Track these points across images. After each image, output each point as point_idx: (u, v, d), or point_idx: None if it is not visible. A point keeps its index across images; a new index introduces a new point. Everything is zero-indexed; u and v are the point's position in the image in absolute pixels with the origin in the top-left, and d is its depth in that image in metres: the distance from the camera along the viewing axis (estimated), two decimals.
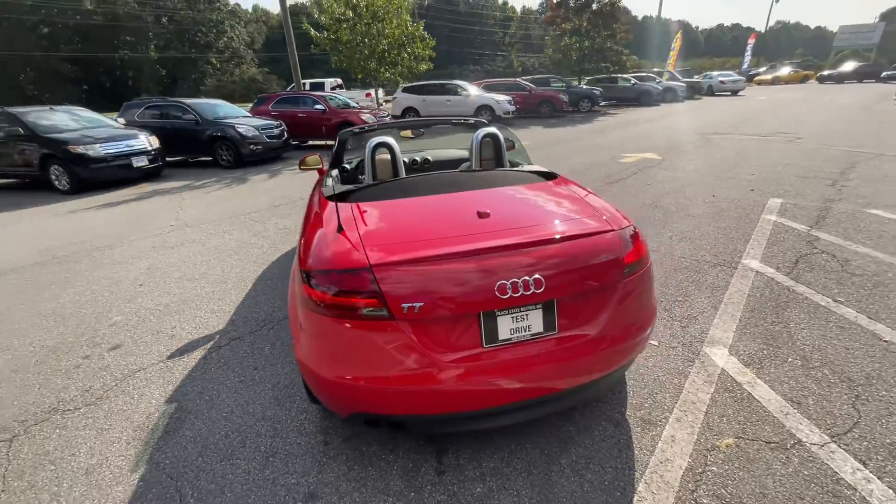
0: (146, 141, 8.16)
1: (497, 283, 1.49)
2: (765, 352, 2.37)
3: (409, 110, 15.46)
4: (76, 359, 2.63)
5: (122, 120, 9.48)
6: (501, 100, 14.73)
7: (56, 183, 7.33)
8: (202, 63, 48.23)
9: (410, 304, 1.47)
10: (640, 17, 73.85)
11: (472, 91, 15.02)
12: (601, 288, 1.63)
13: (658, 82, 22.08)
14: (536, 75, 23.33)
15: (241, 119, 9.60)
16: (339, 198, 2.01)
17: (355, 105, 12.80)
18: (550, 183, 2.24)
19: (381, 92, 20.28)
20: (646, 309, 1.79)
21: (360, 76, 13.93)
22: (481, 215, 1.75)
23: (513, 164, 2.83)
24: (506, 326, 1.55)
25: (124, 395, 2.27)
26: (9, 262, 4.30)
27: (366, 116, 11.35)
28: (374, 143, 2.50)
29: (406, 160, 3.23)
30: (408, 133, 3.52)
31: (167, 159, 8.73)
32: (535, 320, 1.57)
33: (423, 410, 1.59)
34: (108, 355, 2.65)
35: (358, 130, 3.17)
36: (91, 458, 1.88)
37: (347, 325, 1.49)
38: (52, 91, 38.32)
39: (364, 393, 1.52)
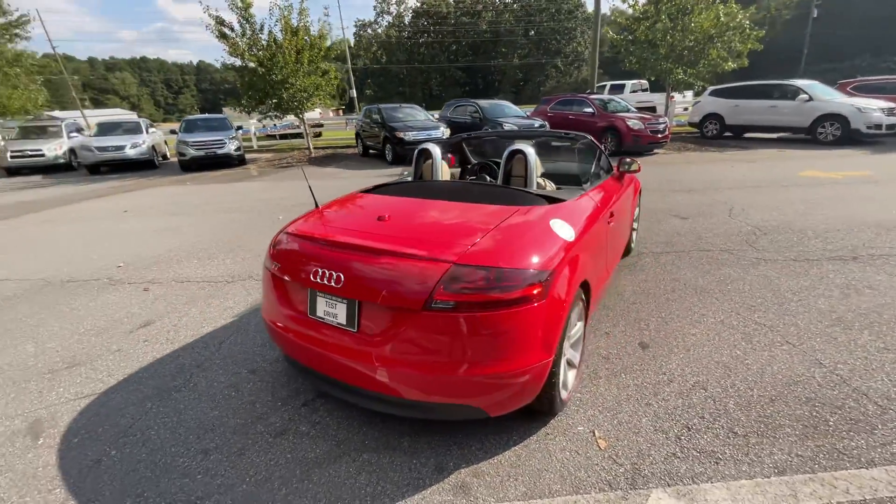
0: (442, 132, 11.34)
1: (318, 269, 1.81)
2: None
3: (711, 118, 13.35)
4: None
5: (436, 115, 13.28)
6: (869, 107, 10.32)
7: (387, 156, 11.52)
8: (548, 67, 55.11)
9: (275, 263, 2.04)
10: None
11: (821, 94, 11.12)
12: (402, 309, 1.64)
13: None
14: None
15: (509, 118, 11.51)
16: (372, 189, 2.67)
17: (633, 109, 12.43)
18: (528, 207, 2.09)
19: (687, 95, 18.06)
20: (461, 358, 1.60)
21: (651, 78, 13.18)
22: (380, 219, 2.03)
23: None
24: (321, 307, 1.85)
25: None
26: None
27: (633, 123, 11.01)
28: (418, 150, 3.15)
29: (474, 163, 3.78)
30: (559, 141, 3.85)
31: None
32: (340, 312, 1.79)
33: (287, 352, 2.07)
34: None
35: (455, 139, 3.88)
36: None
37: (266, 276, 2.16)
38: (448, 91, 54.15)
39: (269, 331, 2.17)
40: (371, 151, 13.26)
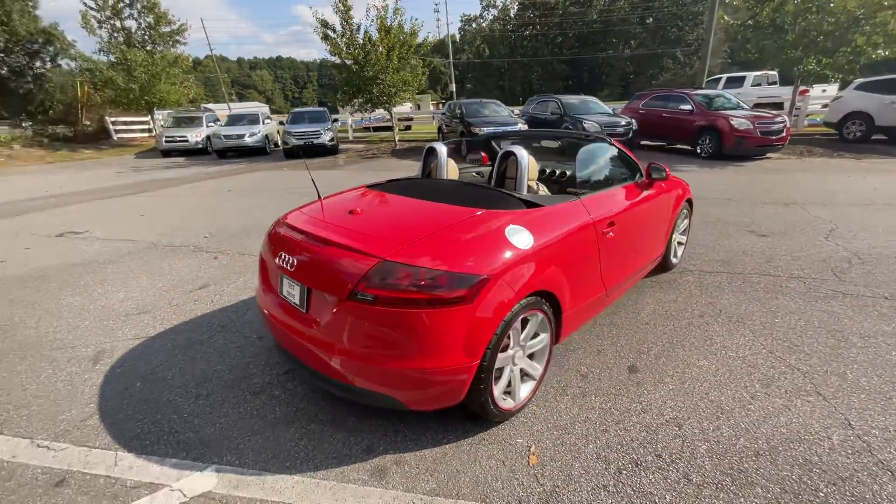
0: (520, 129, 11.14)
1: (283, 253, 2.04)
2: None
3: (854, 117, 11.06)
4: None
5: (517, 111, 13.02)
6: None
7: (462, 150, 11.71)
8: (664, 58, 49.92)
9: (264, 247, 2.29)
10: None
11: None
12: (334, 296, 1.77)
13: None
14: None
15: (591, 115, 10.83)
16: (372, 185, 2.82)
17: (744, 107, 10.82)
18: (493, 211, 2.09)
19: (829, 89, 15.09)
20: (378, 349, 1.70)
21: (773, 69, 11.31)
22: (350, 212, 2.18)
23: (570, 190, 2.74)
24: (286, 287, 2.06)
25: None
26: None
27: (738, 122, 9.61)
28: (426, 148, 3.16)
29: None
30: (550, 143, 3.76)
31: None
32: (296, 293, 1.97)
33: (266, 327, 2.28)
34: None
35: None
36: None
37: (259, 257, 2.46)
38: (549, 85, 52.41)
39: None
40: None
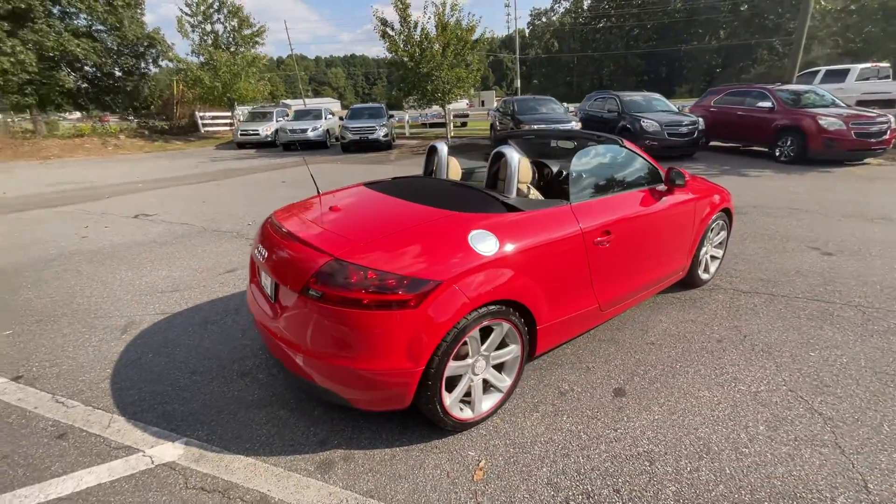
0: (571, 127, 10.67)
1: (260, 245, 2.14)
2: None
3: None
4: None
5: (572, 108, 12.45)
6: None
7: None
8: (759, 49, 44.85)
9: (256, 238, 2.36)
10: None
11: None
12: (290, 290, 1.82)
13: None
14: None
15: (652, 113, 10.05)
16: (368, 183, 2.82)
17: (840, 104, 9.43)
18: (462, 214, 2.04)
19: None
20: (324, 345, 1.73)
21: (884, 59, 9.71)
22: (331, 209, 2.21)
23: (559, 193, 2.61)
24: (264, 278, 2.13)
25: None
26: None
27: (827, 122, 8.39)
28: (429, 147, 3.10)
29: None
30: (566, 144, 3.52)
31: None
32: (268, 285, 2.06)
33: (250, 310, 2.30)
34: None
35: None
36: None
37: None
38: (621, 80, 49.46)
39: None
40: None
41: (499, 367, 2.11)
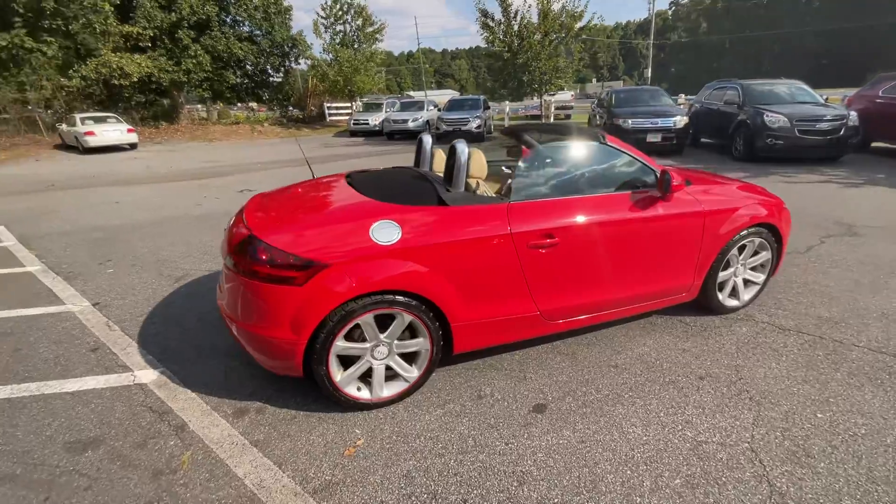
0: (676, 121, 9.42)
1: (231, 225, 2.28)
2: None
3: None
4: None
5: (683, 100, 10.86)
6: None
7: None
8: None
9: None
10: None
11: None
12: (224, 260, 2.14)
13: None
14: None
15: (783, 106, 8.27)
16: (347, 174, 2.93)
17: None
18: (382, 204, 2.12)
19: None
20: (239, 309, 1.98)
21: None
22: (295, 194, 2.50)
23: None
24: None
25: None
26: None
27: None
28: (418, 138, 3.08)
29: None
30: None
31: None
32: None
33: None
34: None
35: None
36: None
37: None
38: (788, 66, 41.11)
39: None
40: None
41: (409, 358, 2.15)
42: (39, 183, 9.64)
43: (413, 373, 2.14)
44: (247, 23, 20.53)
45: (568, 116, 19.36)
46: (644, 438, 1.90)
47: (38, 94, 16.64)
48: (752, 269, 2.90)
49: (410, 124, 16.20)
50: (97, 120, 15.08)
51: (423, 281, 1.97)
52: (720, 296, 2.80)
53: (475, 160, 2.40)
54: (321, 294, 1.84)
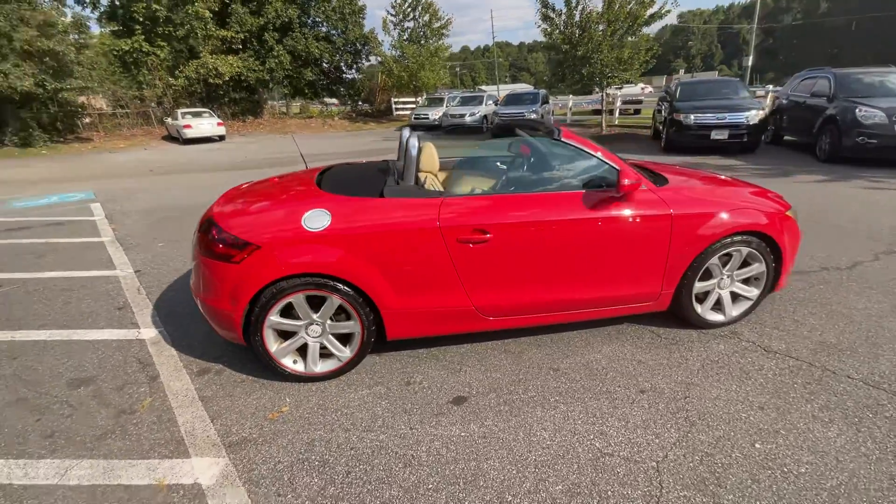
0: (749, 116, 8.44)
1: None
2: None
3: None
4: None
5: (767, 90, 9.58)
6: None
7: (661, 141, 9.78)
8: None
9: None
10: None
11: None
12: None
13: None
14: None
15: (883, 99, 7.00)
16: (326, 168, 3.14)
17: None
18: (324, 194, 2.29)
19: None
20: (202, 283, 2.22)
21: None
22: (272, 182, 2.78)
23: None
24: None
25: None
26: None
27: None
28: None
29: None
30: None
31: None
32: None
33: None
34: None
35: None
36: None
37: None
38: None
39: None
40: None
41: (344, 339, 2.29)
42: (143, 168, 11.31)
43: (346, 353, 2.28)
44: (324, 23, 21.95)
45: (637, 112, 18.10)
46: (548, 443, 1.85)
47: (152, 91, 19.38)
48: (744, 281, 2.60)
49: (467, 119, 16.29)
50: (194, 115, 17.23)
51: (348, 266, 2.09)
52: (699, 308, 2.56)
53: (426, 155, 2.45)
54: (254, 272, 2.05)
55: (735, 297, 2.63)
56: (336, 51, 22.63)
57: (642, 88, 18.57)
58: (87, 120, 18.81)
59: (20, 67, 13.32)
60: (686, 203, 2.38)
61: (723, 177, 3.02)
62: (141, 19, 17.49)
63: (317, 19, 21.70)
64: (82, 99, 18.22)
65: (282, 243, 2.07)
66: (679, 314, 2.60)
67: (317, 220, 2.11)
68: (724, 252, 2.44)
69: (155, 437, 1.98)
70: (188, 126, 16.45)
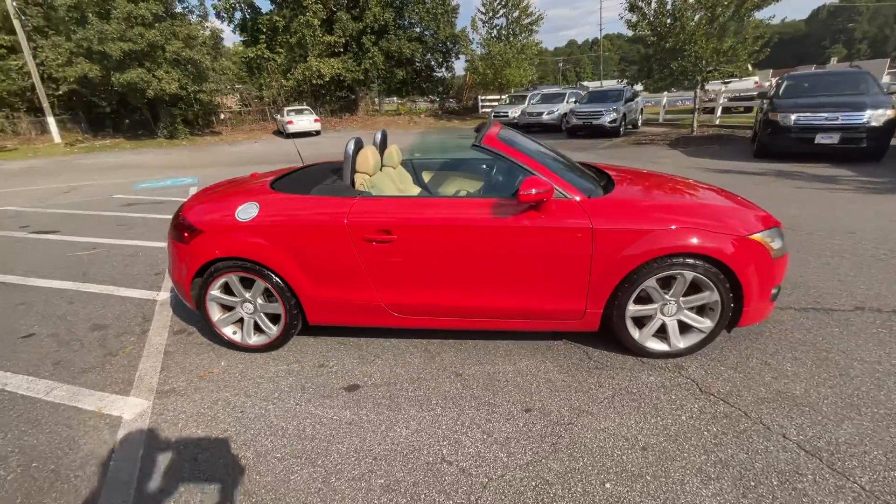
0: (867, 117, 6.91)
1: None
2: None
3: None
4: None
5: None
6: None
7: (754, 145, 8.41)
8: None
9: None
10: None
11: None
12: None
13: None
14: None
15: None
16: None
17: None
18: (271, 193, 2.55)
19: None
20: (170, 261, 2.64)
21: None
22: (251, 175, 3.17)
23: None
24: None
25: None
26: None
27: None
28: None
29: None
30: None
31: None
32: None
33: None
34: None
35: None
36: None
37: None
38: None
39: None
40: None
41: (274, 319, 2.58)
42: (248, 158, 13.19)
43: (273, 331, 2.57)
44: (418, 24, 22.96)
45: (748, 109, 15.66)
46: (400, 440, 1.91)
47: (269, 92, 22.31)
48: (698, 311, 2.28)
49: (545, 117, 15.82)
50: (296, 112, 19.45)
51: (270, 255, 2.36)
52: (635, 334, 2.32)
53: (362, 157, 2.60)
54: (198, 252, 2.44)
55: (685, 326, 2.32)
56: (427, 50, 23.54)
57: (756, 83, 15.98)
58: (221, 116, 22.42)
59: (170, 73, 16.41)
60: (616, 217, 2.18)
61: (704, 187, 2.65)
62: (264, 30, 20.20)
63: (411, 20, 22.80)
64: (218, 99, 21.75)
65: (218, 230, 2.42)
66: (616, 338, 2.39)
67: (247, 212, 2.41)
68: (662, 274, 2.18)
69: (118, 376, 2.48)
70: (290, 122, 18.65)
